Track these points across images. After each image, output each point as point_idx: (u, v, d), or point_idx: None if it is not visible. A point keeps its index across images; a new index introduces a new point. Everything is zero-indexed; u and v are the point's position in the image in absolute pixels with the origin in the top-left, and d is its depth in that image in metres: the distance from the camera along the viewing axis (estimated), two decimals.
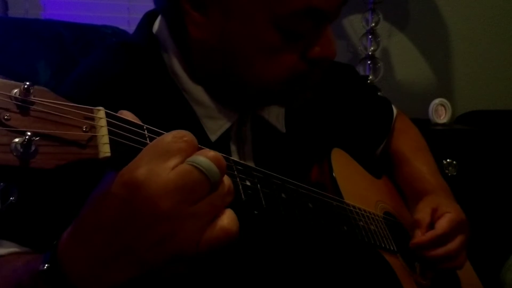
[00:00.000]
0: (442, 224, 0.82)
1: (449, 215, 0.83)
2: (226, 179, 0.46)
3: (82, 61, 0.79)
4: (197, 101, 0.72)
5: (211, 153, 0.44)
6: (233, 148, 0.74)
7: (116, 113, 0.47)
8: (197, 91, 0.72)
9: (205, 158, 0.43)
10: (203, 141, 0.71)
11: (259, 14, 0.63)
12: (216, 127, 0.72)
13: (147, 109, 0.68)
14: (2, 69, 0.97)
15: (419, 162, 0.99)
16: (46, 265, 0.46)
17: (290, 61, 0.66)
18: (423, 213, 0.84)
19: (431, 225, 0.83)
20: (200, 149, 0.45)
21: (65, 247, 0.46)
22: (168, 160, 0.43)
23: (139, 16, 0.80)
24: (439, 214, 0.84)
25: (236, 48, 0.66)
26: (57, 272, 0.45)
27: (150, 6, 0.80)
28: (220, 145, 0.72)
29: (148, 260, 0.44)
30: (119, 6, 1.63)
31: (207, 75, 0.71)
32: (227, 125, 0.73)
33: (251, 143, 0.76)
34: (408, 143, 1.03)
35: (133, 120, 0.47)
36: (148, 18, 0.77)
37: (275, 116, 0.79)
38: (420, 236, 0.82)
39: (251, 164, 0.75)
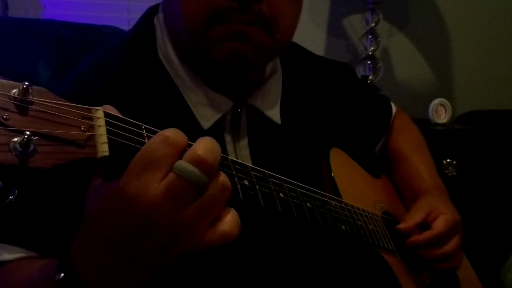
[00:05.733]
0: (438, 224, 0.83)
1: (444, 216, 0.84)
2: (221, 176, 0.46)
3: (82, 60, 0.79)
4: (190, 87, 0.72)
5: (197, 154, 0.44)
6: (227, 138, 0.74)
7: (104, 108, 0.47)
8: (190, 77, 0.72)
9: (189, 164, 0.43)
10: (196, 129, 0.71)
11: None
12: (210, 114, 0.72)
13: (143, 102, 0.69)
14: (2, 69, 0.97)
15: (416, 161, 0.99)
16: (62, 274, 0.47)
17: None
18: (417, 215, 0.85)
19: (427, 226, 0.84)
20: (190, 145, 0.45)
21: (76, 258, 0.48)
22: (156, 172, 0.43)
23: (139, 16, 0.80)
24: (434, 215, 0.85)
25: None
26: (73, 282, 0.47)
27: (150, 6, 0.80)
28: (214, 135, 0.72)
29: (155, 266, 0.46)
30: (119, 6, 1.63)
31: (176, 45, 0.72)
32: (220, 112, 0.73)
33: (246, 134, 0.76)
34: (407, 141, 1.03)
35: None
36: (150, 11, 0.79)
37: (270, 107, 0.78)
38: (417, 236, 0.82)
39: (246, 154, 0.75)
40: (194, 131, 0.72)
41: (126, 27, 1.31)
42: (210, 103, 0.72)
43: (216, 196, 0.46)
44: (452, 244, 0.83)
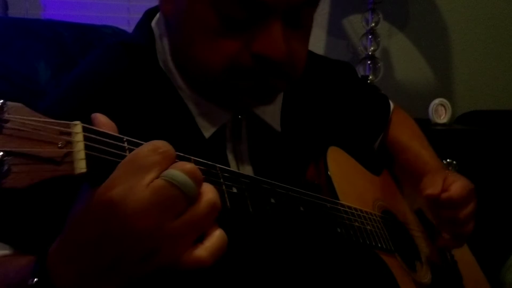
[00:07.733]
0: (456, 188, 0.82)
1: (460, 182, 0.83)
2: (211, 193, 0.45)
3: (81, 61, 0.78)
4: (189, 97, 0.72)
5: (187, 166, 0.43)
6: (228, 146, 0.74)
7: (103, 115, 0.47)
8: (188, 89, 0.72)
9: (180, 171, 0.43)
10: (197, 139, 0.71)
11: None
12: (209, 124, 0.72)
13: (144, 109, 0.68)
14: (2, 69, 0.96)
15: (418, 147, 0.99)
16: (35, 279, 0.46)
17: (231, 48, 0.64)
18: (435, 185, 0.83)
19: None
20: (180, 158, 0.45)
21: (53, 262, 0.46)
22: (144, 177, 0.42)
23: (139, 16, 0.80)
24: (450, 181, 0.83)
25: (181, 26, 0.66)
26: (46, 286, 0.45)
27: (150, 6, 0.80)
28: (215, 143, 0.72)
29: (133, 274, 0.45)
30: (119, 6, 1.63)
31: (176, 60, 0.71)
32: (220, 122, 0.72)
33: (246, 142, 0.76)
34: (405, 132, 1.03)
35: (110, 131, 0.46)
36: (148, 15, 0.77)
37: (271, 115, 0.78)
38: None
39: (247, 162, 0.75)
40: (196, 140, 0.71)
41: (126, 27, 1.31)
42: (208, 114, 0.72)
43: (204, 214, 0.44)
44: (468, 209, 0.82)
